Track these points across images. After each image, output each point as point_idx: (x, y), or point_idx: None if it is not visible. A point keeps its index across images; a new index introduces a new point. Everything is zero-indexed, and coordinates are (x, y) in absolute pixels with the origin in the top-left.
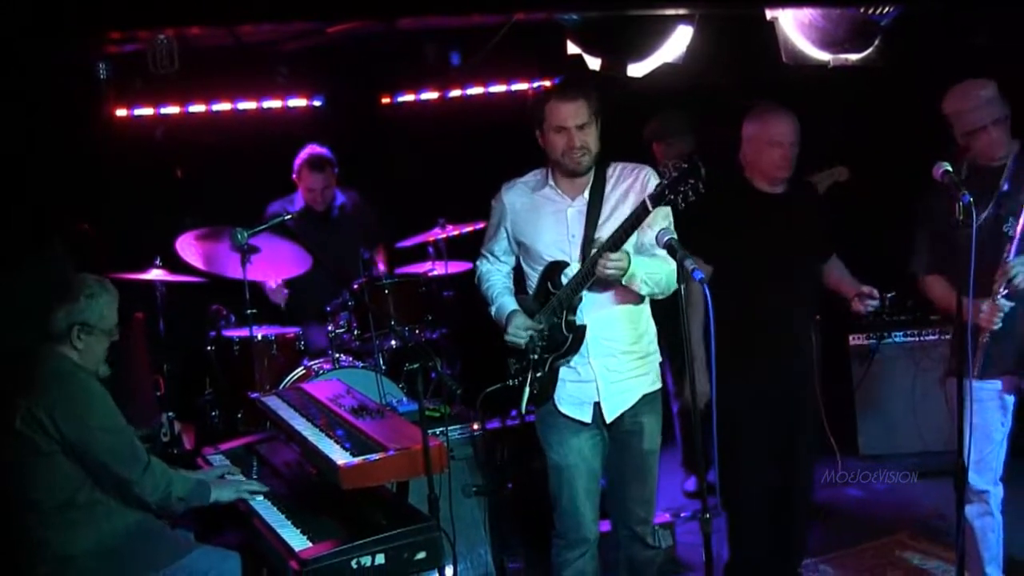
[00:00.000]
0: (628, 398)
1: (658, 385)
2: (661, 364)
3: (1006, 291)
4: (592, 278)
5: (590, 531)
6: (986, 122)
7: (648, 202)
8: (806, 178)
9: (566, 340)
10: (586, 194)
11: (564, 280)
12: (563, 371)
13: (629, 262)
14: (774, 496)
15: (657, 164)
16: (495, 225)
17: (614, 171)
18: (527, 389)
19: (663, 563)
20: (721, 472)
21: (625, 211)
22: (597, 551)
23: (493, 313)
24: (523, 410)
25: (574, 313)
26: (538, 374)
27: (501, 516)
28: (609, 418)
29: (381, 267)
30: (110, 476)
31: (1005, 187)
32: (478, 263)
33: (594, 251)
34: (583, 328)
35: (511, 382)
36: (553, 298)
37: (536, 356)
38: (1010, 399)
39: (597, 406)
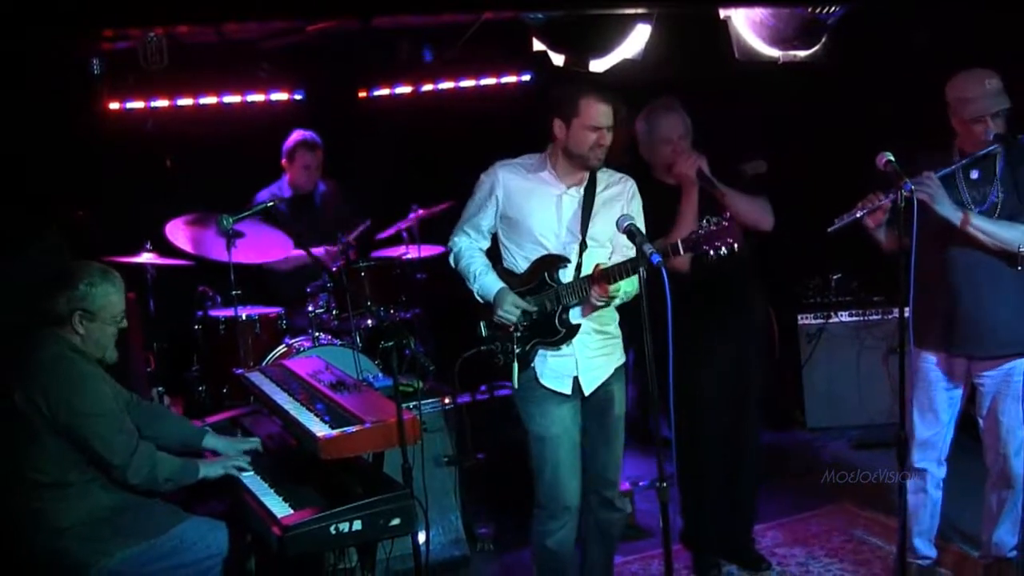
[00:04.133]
0: (602, 373)
1: (623, 360)
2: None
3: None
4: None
5: (573, 500)
6: (988, 112)
7: (680, 245)
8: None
9: (558, 333)
10: (581, 187)
11: (562, 276)
12: (544, 348)
13: (619, 289)
14: (727, 462)
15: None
16: (483, 199)
17: (604, 174)
18: (515, 364)
19: (623, 528)
20: (677, 441)
21: (610, 214)
22: (577, 519)
23: (477, 290)
24: (515, 384)
25: (567, 312)
26: (517, 350)
27: (470, 485)
28: (587, 391)
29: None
30: (96, 459)
31: (975, 175)
32: (455, 239)
33: (591, 272)
34: (577, 327)
35: (485, 348)
36: (551, 290)
37: (519, 334)
38: (958, 385)
39: (575, 380)
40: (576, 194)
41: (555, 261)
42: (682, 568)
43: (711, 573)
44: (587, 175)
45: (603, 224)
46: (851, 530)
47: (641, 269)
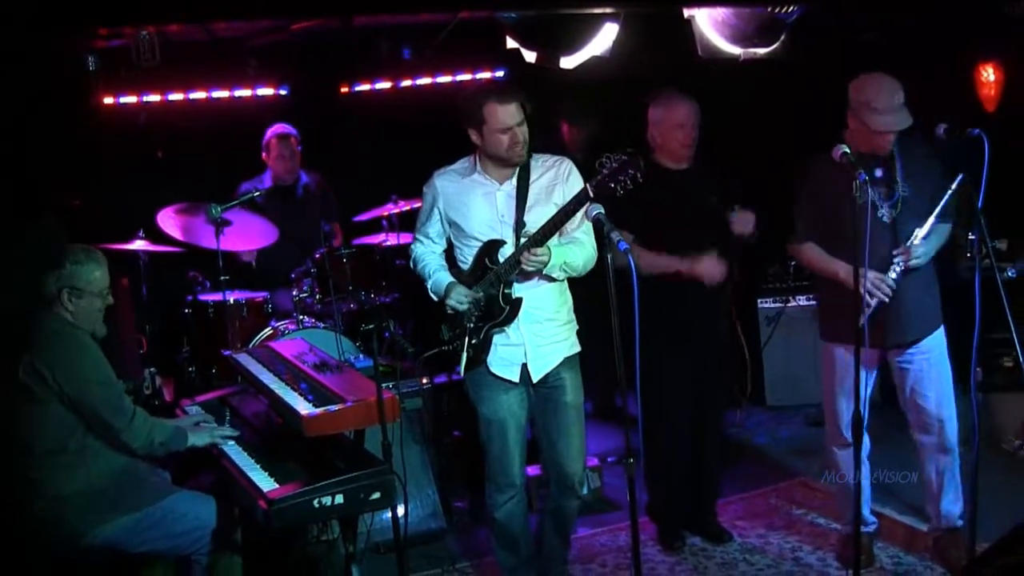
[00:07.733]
0: (551, 360)
1: (577, 348)
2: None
3: (900, 269)
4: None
5: (518, 477)
6: (898, 129)
7: (589, 189)
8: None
9: (503, 311)
10: (514, 180)
11: (500, 258)
12: (495, 336)
13: (550, 256)
14: (691, 440)
15: (564, 142)
16: (428, 210)
17: (537, 161)
18: (464, 354)
19: (592, 502)
20: (644, 419)
21: (549, 200)
22: (525, 494)
23: (430, 287)
24: (462, 372)
25: (510, 287)
26: (473, 340)
27: (447, 461)
28: (535, 378)
29: (336, 242)
30: (101, 424)
31: (878, 173)
32: (413, 246)
33: (523, 241)
34: (519, 300)
35: (447, 347)
36: (490, 272)
37: (472, 324)
38: (873, 369)
39: (524, 367)
40: (509, 187)
41: (492, 246)
42: (648, 540)
43: (675, 545)
44: (518, 167)
45: (541, 212)
46: (808, 504)
47: (609, 256)
